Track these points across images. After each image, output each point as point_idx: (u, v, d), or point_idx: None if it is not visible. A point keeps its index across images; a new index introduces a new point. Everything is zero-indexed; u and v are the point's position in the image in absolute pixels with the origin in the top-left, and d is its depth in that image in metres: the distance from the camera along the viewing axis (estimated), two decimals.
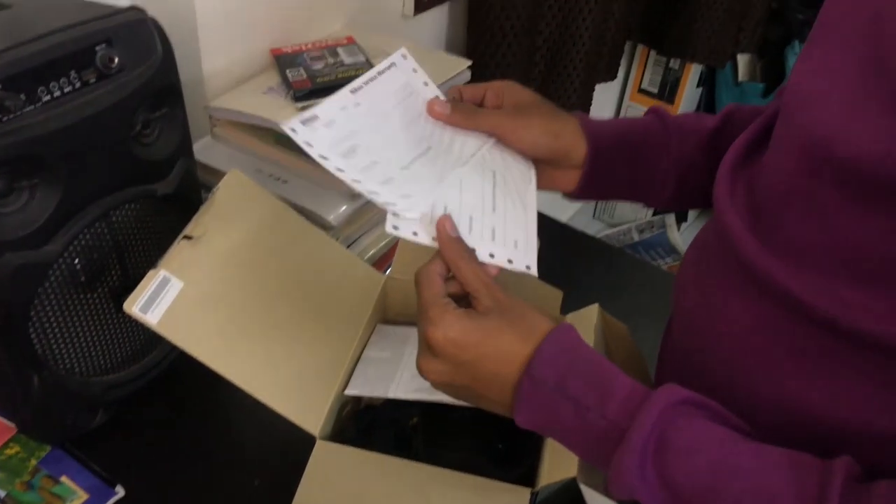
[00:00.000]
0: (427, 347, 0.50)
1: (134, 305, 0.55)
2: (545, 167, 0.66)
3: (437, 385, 0.52)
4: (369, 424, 0.69)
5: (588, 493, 0.56)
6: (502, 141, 0.64)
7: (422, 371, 0.51)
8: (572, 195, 0.69)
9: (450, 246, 0.52)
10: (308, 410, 0.62)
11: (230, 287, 0.62)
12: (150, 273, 0.57)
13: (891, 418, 0.44)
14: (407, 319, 0.79)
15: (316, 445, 0.61)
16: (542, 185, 0.65)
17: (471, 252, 0.53)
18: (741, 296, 0.51)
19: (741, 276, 0.51)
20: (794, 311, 0.47)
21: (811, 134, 0.46)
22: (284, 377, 0.62)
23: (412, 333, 0.75)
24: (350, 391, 0.67)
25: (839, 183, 0.44)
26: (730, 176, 0.55)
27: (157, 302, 0.56)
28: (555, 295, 0.76)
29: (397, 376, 0.68)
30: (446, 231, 0.53)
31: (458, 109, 0.62)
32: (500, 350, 0.48)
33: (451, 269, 0.52)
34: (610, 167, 0.67)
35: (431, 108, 0.62)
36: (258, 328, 0.63)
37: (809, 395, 0.47)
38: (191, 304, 0.58)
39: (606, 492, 0.54)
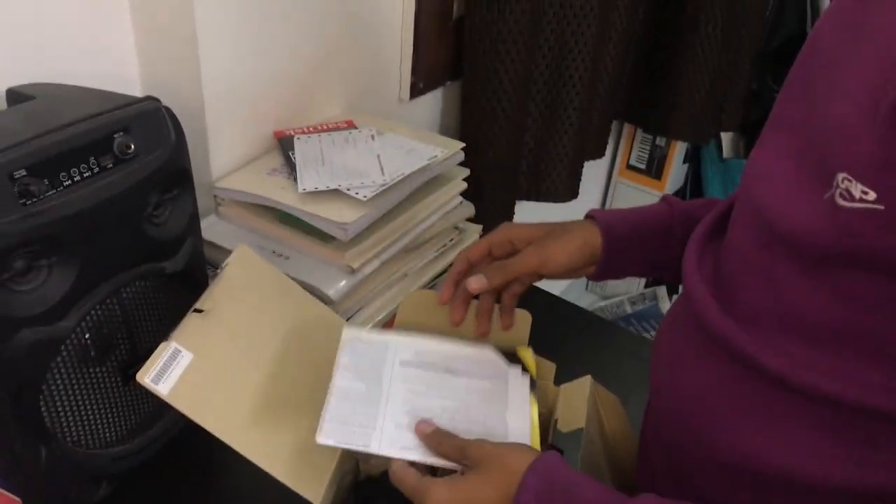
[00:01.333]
0: None
1: (146, 376, 0.57)
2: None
3: None
4: (368, 497, 0.70)
5: None
6: (542, 271, 0.71)
7: None
8: (593, 279, 0.75)
9: (432, 439, 0.61)
10: (310, 480, 0.64)
11: (238, 359, 0.65)
12: (162, 345, 0.60)
13: (847, 471, 0.47)
14: None
15: None
16: (568, 277, 0.73)
17: (443, 433, 0.61)
18: (703, 357, 0.55)
19: (704, 340, 0.55)
20: (750, 370, 0.50)
21: (760, 211, 0.51)
22: (288, 447, 0.64)
23: (388, 350, 0.72)
24: (324, 440, 0.61)
25: (786, 255, 0.48)
26: (697, 249, 0.60)
27: (168, 373, 0.59)
28: (548, 367, 0.79)
29: (378, 424, 0.64)
30: (424, 432, 0.62)
31: (491, 270, 0.70)
32: (484, 501, 0.55)
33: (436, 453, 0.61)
34: (622, 255, 0.73)
35: (471, 286, 0.70)
36: (264, 399, 0.65)
37: (769, 451, 0.50)
38: (200, 375, 0.60)
39: None
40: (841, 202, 0.43)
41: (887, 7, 0.43)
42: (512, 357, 0.74)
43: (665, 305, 2.27)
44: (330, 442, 0.61)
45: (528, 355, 0.74)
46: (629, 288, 2.32)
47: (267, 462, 0.62)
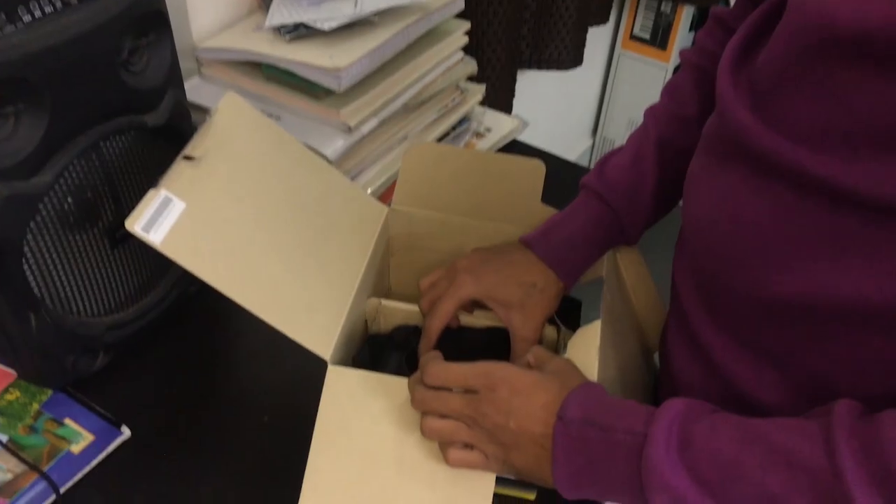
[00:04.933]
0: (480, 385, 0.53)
1: (136, 224, 0.52)
2: None
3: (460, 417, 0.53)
4: (378, 352, 0.67)
5: None
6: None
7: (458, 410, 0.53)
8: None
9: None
10: (318, 335, 0.60)
11: (233, 209, 0.60)
12: (151, 192, 0.54)
13: None
14: (410, 251, 0.77)
15: (329, 370, 0.59)
16: None
17: None
18: (755, 188, 0.50)
19: (752, 168, 0.49)
20: (813, 193, 0.45)
21: (819, 14, 0.44)
22: (292, 302, 0.60)
23: None
24: None
25: (856, 59, 0.43)
26: (730, 72, 0.54)
27: (160, 222, 0.54)
28: None
29: None
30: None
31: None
32: (536, 404, 0.51)
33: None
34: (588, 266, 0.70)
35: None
36: (263, 252, 0.61)
37: (838, 280, 0.45)
38: (194, 224, 0.55)
39: None
40: None
41: None
42: None
43: None
44: None
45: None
46: None
47: (273, 316, 0.58)
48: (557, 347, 0.68)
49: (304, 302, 0.62)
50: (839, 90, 0.44)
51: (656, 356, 0.74)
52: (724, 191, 0.53)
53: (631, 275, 0.75)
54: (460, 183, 0.74)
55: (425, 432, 0.54)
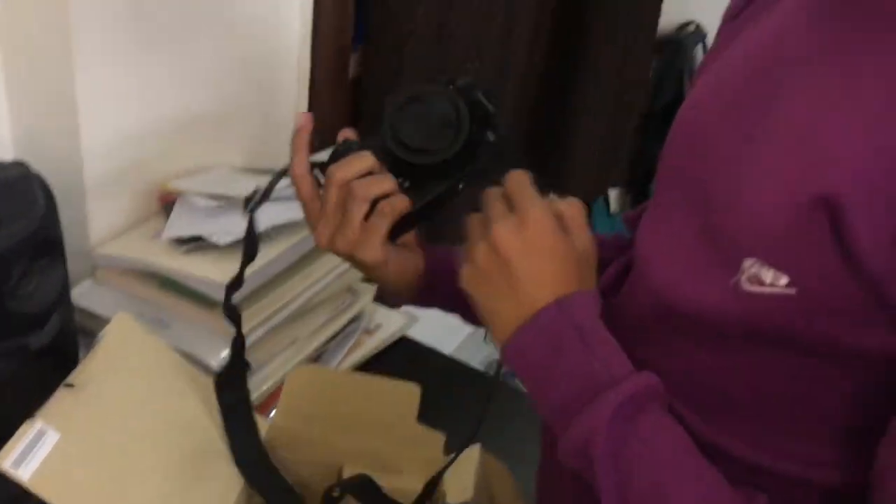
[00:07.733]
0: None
1: (5, 461, 0.53)
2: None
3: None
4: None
5: None
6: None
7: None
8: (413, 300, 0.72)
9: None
10: None
11: (111, 439, 0.61)
12: (26, 424, 0.55)
13: None
14: (287, 472, 0.77)
15: None
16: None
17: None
18: None
19: None
20: None
21: (658, 287, 0.51)
22: None
23: None
24: None
25: (686, 330, 0.49)
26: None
27: (31, 456, 0.54)
28: (435, 438, 0.77)
29: None
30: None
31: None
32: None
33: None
34: (442, 268, 0.70)
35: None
36: (137, 483, 0.61)
37: None
38: (67, 457, 0.56)
39: None
40: (749, 287, 0.43)
41: (797, 102, 0.43)
42: None
43: None
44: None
45: None
46: None
47: None
48: None
49: None
50: (671, 352, 0.51)
51: None
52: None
53: (502, 493, 0.78)
54: (339, 405, 0.77)
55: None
